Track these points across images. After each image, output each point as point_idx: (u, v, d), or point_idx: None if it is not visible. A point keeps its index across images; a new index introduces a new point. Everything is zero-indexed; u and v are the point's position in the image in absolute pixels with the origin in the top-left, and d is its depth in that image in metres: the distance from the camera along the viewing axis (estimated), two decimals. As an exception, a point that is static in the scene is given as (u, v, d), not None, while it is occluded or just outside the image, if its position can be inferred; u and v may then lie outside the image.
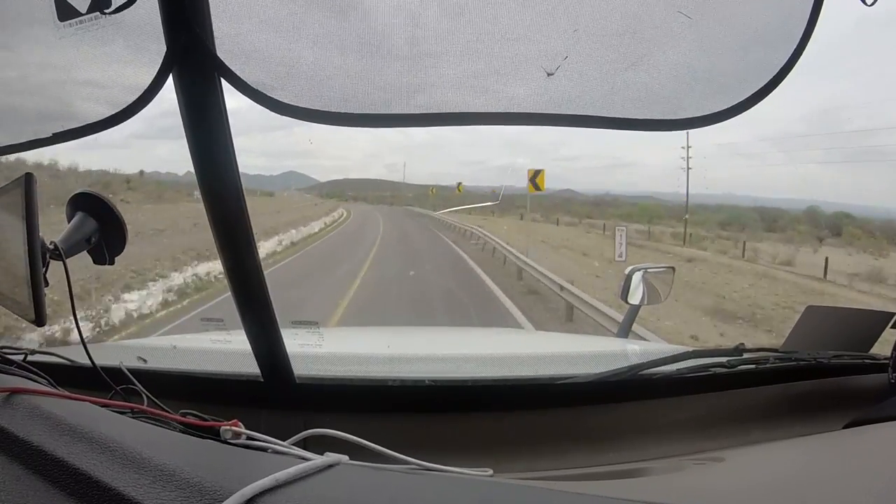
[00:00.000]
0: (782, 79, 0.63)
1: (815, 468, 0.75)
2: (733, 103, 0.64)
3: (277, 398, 0.88)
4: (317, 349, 1.07)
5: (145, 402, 0.71)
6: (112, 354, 0.88)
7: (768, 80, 0.63)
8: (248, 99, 0.65)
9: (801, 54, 0.63)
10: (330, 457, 0.54)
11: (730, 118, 0.65)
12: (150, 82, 0.65)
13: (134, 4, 0.64)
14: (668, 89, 0.66)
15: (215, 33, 0.64)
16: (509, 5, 0.63)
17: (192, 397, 0.77)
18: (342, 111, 0.66)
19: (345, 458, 0.55)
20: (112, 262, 0.76)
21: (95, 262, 0.75)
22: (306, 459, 0.53)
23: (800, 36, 0.62)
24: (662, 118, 0.66)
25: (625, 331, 1.68)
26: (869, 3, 0.63)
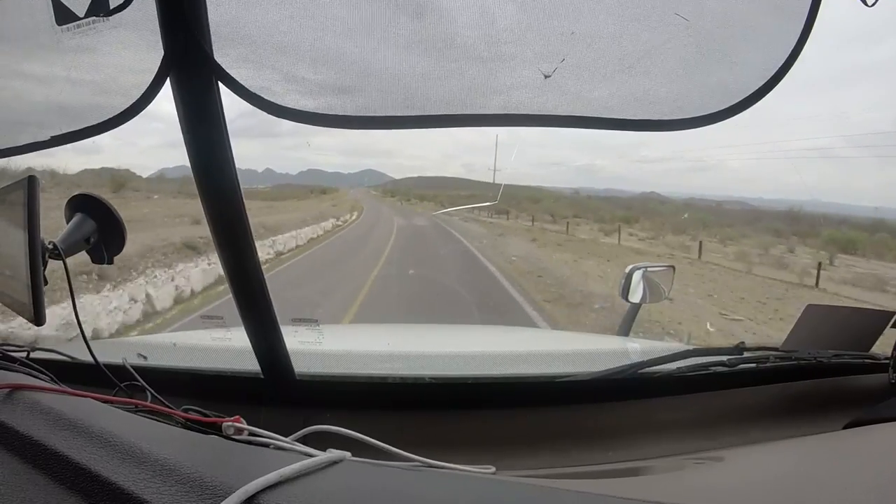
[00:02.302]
0: (781, 77, 0.63)
1: (814, 468, 0.75)
2: (732, 102, 0.64)
3: (277, 395, 0.88)
4: (317, 346, 1.07)
5: (149, 399, 0.71)
6: (112, 351, 0.88)
7: (767, 79, 0.63)
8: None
9: (799, 52, 0.62)
10: (333, 453, 0.54)
11: (729, 118, 0.65)
12: (147, 85, 0.66)
13: (132, 7, 0.64)
14: (667, 90, 0.66)
15: (213, 36, 0.64)
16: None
17: (193, 394, 0.77)
18: (342, 114, 0.66)
19: (348, 454, 0.55)
20: (111, 262, 0.76)
21: (94, 261, 0.76)
22: (309, 456, 0.53)
23: (798, 34, 0.62)
24: (661, 119, 0.66)
25: (625, 329, 1.68)
26: (870, 4, 0.63)
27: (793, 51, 0.63)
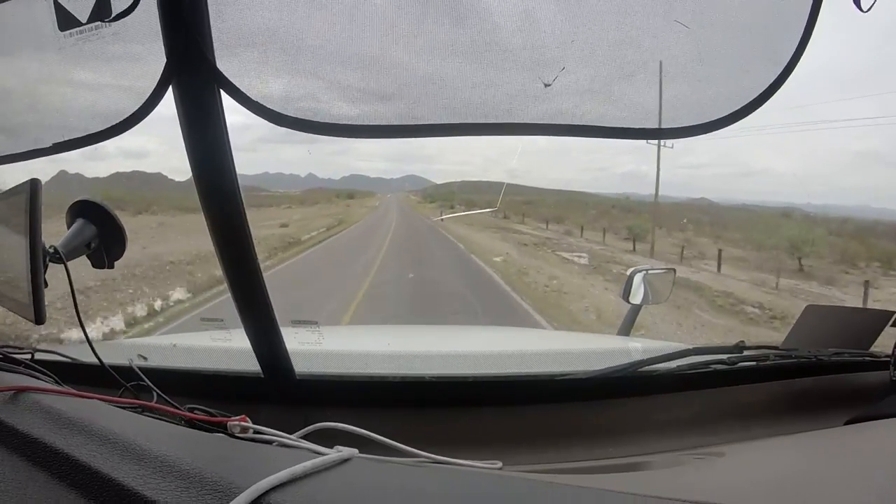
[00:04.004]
0: (781, 84, 0.64)
1: (815, 464, 0.76)
2: (732, 110, 0.64)
3: (278, 394, 0.88)
4: (317, 346, 1.07)
5: (154, 399, 0.71)
6: (114, 353, 0.88)
7: (767, 85, 0.64)
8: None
9: (799, 59, 0.63)
10: (343, 451, 0.54)
11: (729, 125, 0.65)
12: (150, 92, 0.66)
13: (134, 14, 0.64)
14: (666, 98, 0.66)
15: (215, 43, 0.64)
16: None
17: (193, 394, 0.77)
18: (347, 123, 0.66)
19: (356, 451, 0.56)
20: (111, 267, 0.77)
21: (95, 266, 0.77)
22: (315, 453, 0.54)
23: (797, 41, 0.62)
24: (659, 127, 0.66)
25: (626, 329, 1.68)
26: (865, 10, 0.63)
27: (793, 55, 0.63)
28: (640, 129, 0.67)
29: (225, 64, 0.64)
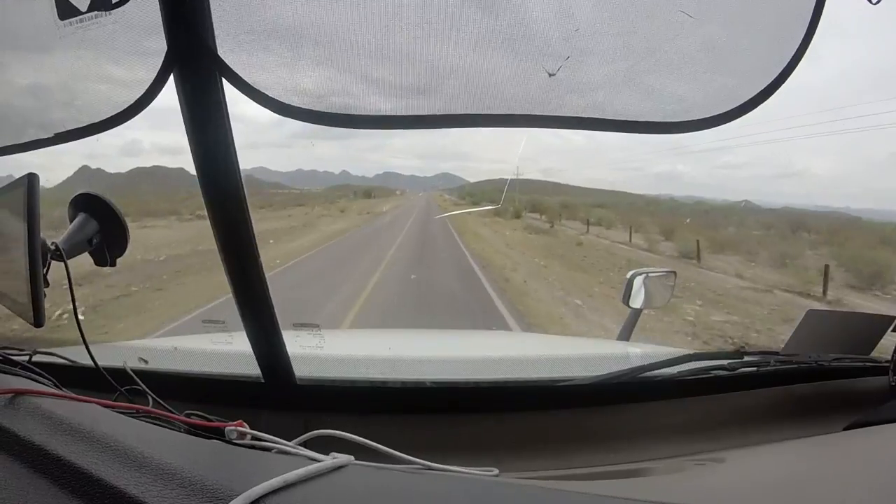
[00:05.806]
0: (788, 76, 0.63)
1: (815, 469, 0.75)
2: (739, 103, 0.64)
3: (278, 399, 0.88)
4: (318, 351, 1.07)
5: (150, 403, 0.71)
6: (114, 355, 0.87)
7: (773, 77, 0.64)
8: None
9: (805, 49, 0.62)
10: (338, 458, 0.54)
11: (736, 118, 0.65)
12: (151, 81, 0.65)
13: (135, 2, 0.64)
14: (673, 90, 0.66)
15: (217, 31, 0.63)
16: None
17: (193, 398, 0.77)
18: (348, 113, 0.66)
19: (352, 458, 0.55)
20: (114, 264, 0.76)
21: (97, 263, 0.75)
22: (312, 460, 0.53)
23: (804, 31, 0.62)
24: (665, 120, 0.66)
25: (626, 334, 1.67)
26: (874, 2, 0.63)
27: (800, 45, 0.63)
28: (646, 122, 0.66)
29: (227, 53, 0.64)
